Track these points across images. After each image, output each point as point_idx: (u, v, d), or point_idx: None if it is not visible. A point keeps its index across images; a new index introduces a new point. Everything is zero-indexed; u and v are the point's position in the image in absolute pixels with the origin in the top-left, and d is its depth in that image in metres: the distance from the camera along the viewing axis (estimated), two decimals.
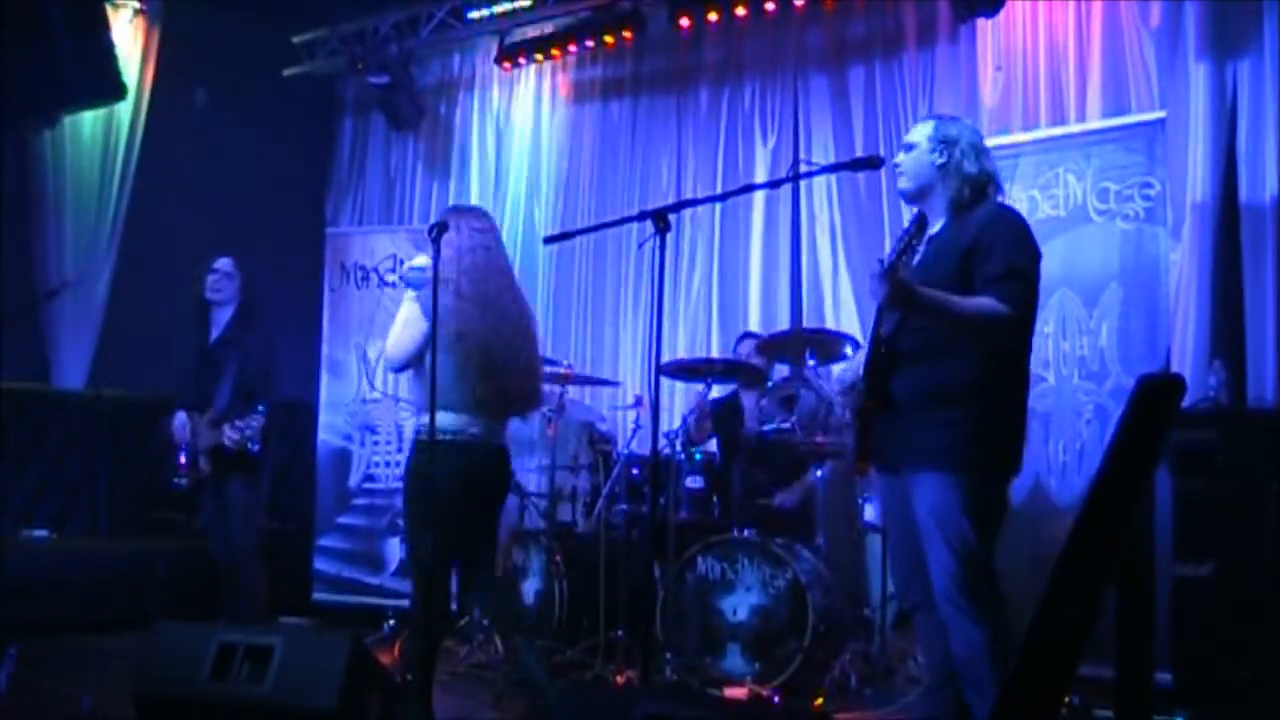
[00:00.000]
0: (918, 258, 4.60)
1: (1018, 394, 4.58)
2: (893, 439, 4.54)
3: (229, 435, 6.73)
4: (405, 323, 5.43)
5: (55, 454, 9.27)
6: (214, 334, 7.12)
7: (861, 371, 4.58)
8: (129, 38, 9.73)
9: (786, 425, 7.03)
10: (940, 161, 4.61)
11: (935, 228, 4.64)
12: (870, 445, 4.64)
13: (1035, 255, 4.50)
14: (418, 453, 5.34)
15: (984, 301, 4.36)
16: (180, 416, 7.02)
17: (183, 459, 6.98)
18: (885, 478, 4.72)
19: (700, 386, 7.31)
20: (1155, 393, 2.42)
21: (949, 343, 4.42)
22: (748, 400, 7.66)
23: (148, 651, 4.77)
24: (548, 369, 7.47)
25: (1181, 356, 6.61)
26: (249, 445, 6.72)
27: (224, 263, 7.14)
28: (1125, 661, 2.41)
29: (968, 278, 4.39)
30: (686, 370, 7.27)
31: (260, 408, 6.76)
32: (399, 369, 5.62)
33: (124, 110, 9.71)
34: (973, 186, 4.61)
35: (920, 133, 4.70)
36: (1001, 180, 4.75)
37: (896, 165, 4.68)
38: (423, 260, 5.36)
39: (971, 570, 4.35)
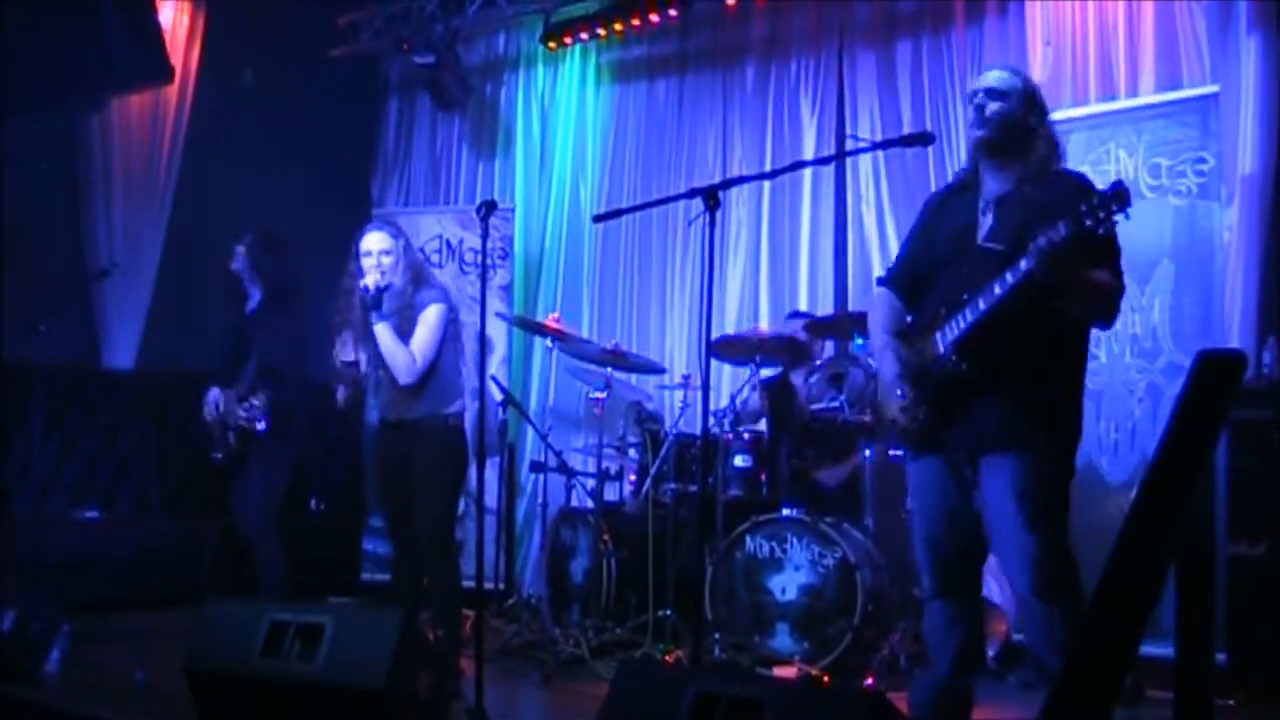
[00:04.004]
0: (987, 220, 4.48)
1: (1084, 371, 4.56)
2: (974, 416, 4.39)
3: (239, 414, 6.78)
4: (437, 325, 5.94)
5: (105, 433, 9.33)
6: (247, 310, 7.16)
7: (947, 343, 4.39)
8: (175, 20, 9.76)
9: (835, 404, 7.01)
10: (1033, 121, 4.50)
11: (990, 188, 4.51)
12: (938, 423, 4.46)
13: None
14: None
15: (1108, 277, 4.30)
16: (214, 392, 7.06)
17: (231, 437, 7.04)
18: (929, 459, 4.58)
19: (747, 370, 7.28)
20: (1216, 368, 2.39)
21: (1044, 318, 4.28)
22: (796, 378, 7.62)
23: (199, 628, 4.79)
24: (595, 348, 7.49)
25: (1233, 333, 6.55)
26: (255, 425, 6.75)
27: (247, 238, 7.13)
28: (1186, 642, 2.39)
29: None
30: (734, 346, 7.24)
31: (261, 389, 6.80)
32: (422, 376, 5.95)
33: (171, 92, 9.75)
34: (1055, 152, 4.53)
35: (1009, 83, 4.52)
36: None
37: (980, 109, 4.47)
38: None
39: (1061, 557, 4.29)
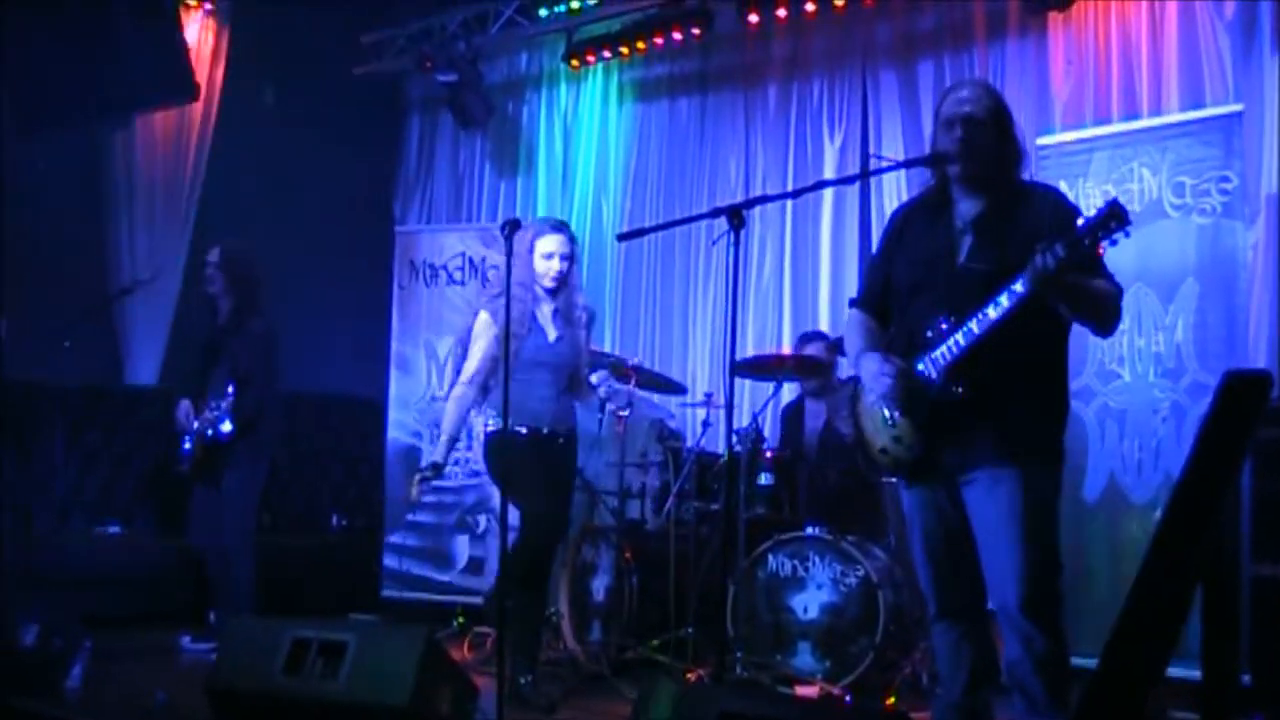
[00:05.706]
0: (966, 241, 4.41)
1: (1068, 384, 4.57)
2: (969, 434, 4.31)
3: (206, 418, 6.90)
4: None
5: (127, 449, 9.35)
6: (218, 322, 7.29)
7: (941, 368, 4.31)
8: (200, 38, 9.81)
9: None
10: (1007, 141, 4.43)
11: (965, 208, 4.45)
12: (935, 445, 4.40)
13: None
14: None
15: (1106, 285, 4.26)
16: (184, 404, 7.17)
17: (186, 445, 7.15)
18: (924, 483, 4.52)
19: (769, 388, 7.27)
20: (1242, 389, 2.38)
21: (1034, 332, 4.25)
22: (812, 405, 7.60)
23: (222, 646, 4.80)
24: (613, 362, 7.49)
25: (1258, 352, 6.52)
26: (219, 427, 6.85)
27: (213, 253, 7.38)
28: (1210, 663, 2.38)
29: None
30: (756, 367, 7.23)
31: (230, 388, 6.87)
32: None
33: (195, 110, 9.79)
34: (1023, 164, 4.52)
35: (985, 107, 4.40)
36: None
37: (965, 143, 4.35)
38: None
39: (1054, 572, 4.28)
